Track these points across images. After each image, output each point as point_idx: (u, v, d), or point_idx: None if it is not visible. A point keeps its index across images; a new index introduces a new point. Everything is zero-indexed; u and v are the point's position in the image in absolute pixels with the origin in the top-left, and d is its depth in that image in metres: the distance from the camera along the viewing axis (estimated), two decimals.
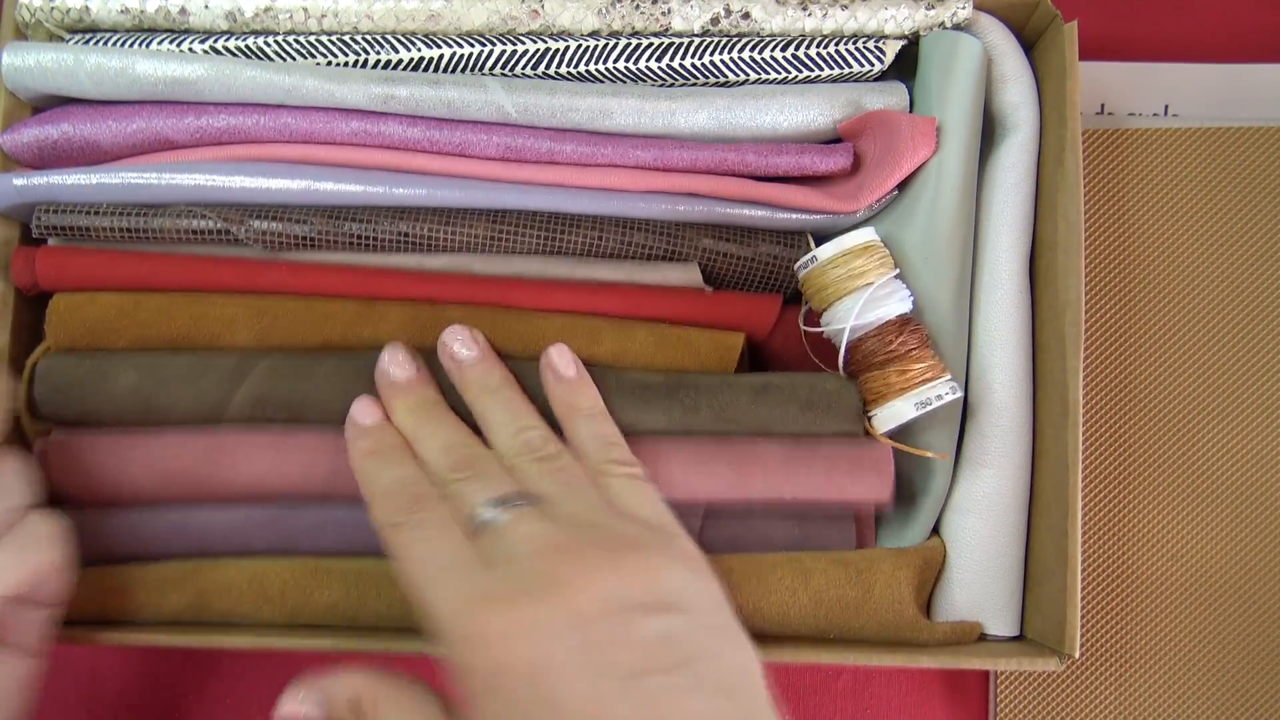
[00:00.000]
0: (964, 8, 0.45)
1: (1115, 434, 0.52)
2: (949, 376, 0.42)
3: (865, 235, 0.43)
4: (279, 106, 0.44)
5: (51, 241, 0.45)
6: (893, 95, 0.45)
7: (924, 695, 0.51)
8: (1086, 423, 0.49)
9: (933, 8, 0.45)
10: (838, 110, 0.44)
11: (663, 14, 0.44)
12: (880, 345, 0.42)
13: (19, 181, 0.43)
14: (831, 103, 0.44)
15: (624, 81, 0.45)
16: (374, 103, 0.43)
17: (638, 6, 0.44)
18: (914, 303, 0.43)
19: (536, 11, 0.44)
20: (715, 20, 0.44)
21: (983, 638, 0.44)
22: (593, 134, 0.44)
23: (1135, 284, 0.53)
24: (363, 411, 0.40)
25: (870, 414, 0.43)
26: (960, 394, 0.42)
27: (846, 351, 0.43)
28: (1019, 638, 0.45)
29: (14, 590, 0.37)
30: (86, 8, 0.44)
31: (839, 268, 0.42)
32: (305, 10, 0.44)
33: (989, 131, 0.46)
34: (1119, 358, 0.52)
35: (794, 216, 0.45)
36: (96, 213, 0.43)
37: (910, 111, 0.45)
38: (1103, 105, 0.54)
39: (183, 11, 0.44)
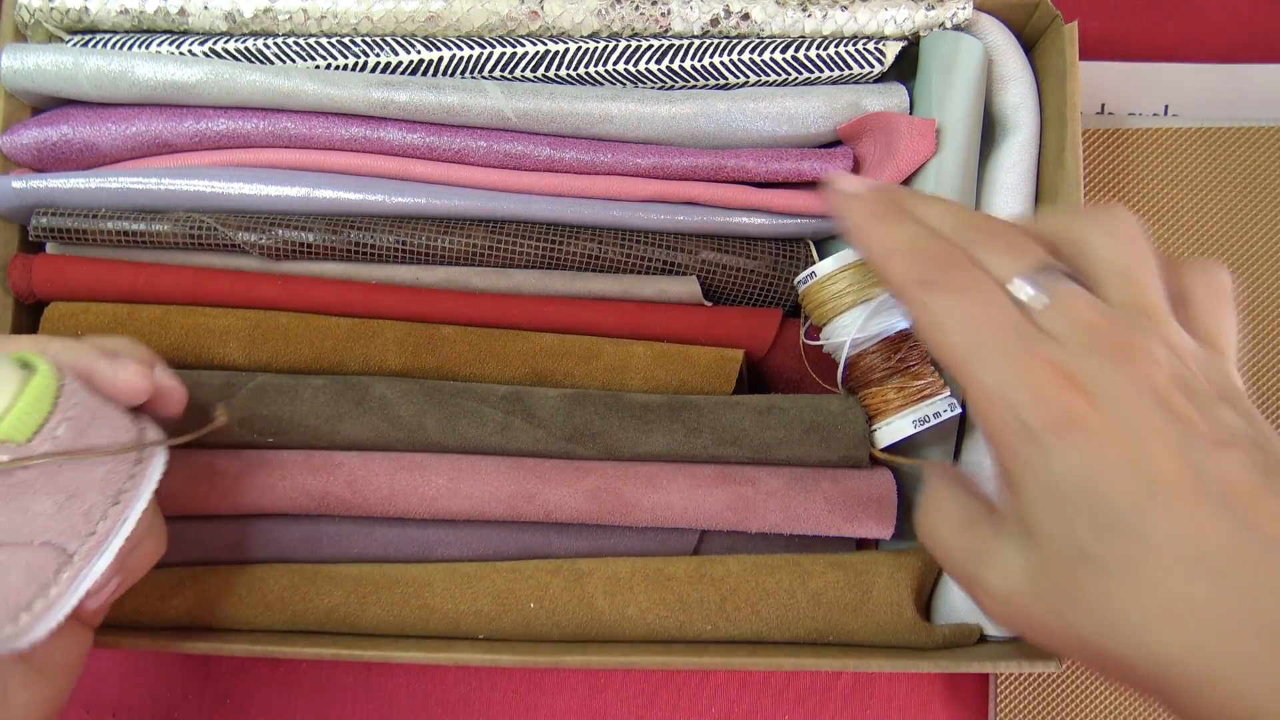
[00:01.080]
0: (964, 8, 0.45)
1: None
2: (948, 393, 0.42)
3: None
4: (278, 111, 0.44)
5: (49, 245, 0.45)
6: (892, 97, 0.45)
7: (924, 696, 0.51)
8: None
9: (933, 8, 0.45)
10: (837, 113, 0.44)
11: (662, 15, 0.44)
12: (880, 361, 0.42)
13: (18, 184, 0.43)
14: (831, 105, 0.44)
15: (624, 83, 0.45)
16: (373, 108, 0.43)
17: (637, 8, 0.44)
18: None
19: (536, 13, 0.44)
20: (715, 21, 0.44)
21: (982, 639, 0.44)
22: (593, 141, 0.44)
23: None
24: (850, 181, 0.35)
25: (869, 430, 0.43)
26: (959, 411, 0.42)
27: (845, 367, 0.43)
28: (1018, 639, 0.45)
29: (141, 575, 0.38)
30: (85, 8, 0.44)
31: (838, 282, 0.42)
32: (305, 11, 0.44)
33: (989, 132, 0.46)
34: None
35: (794, 222, 0.45)
36: (94, 216, 0.43)
37: (910, 113, 0.45)
38: (1103, 105, 0.54)
39: (182, 12, 0.44)
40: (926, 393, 0.42)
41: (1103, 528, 0.28)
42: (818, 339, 0.45)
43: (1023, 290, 0.30)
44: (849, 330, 0.42)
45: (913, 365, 0.42)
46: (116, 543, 0.33)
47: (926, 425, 0.42)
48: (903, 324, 0.42)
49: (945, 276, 0.31)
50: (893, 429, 0.42)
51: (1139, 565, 0.28)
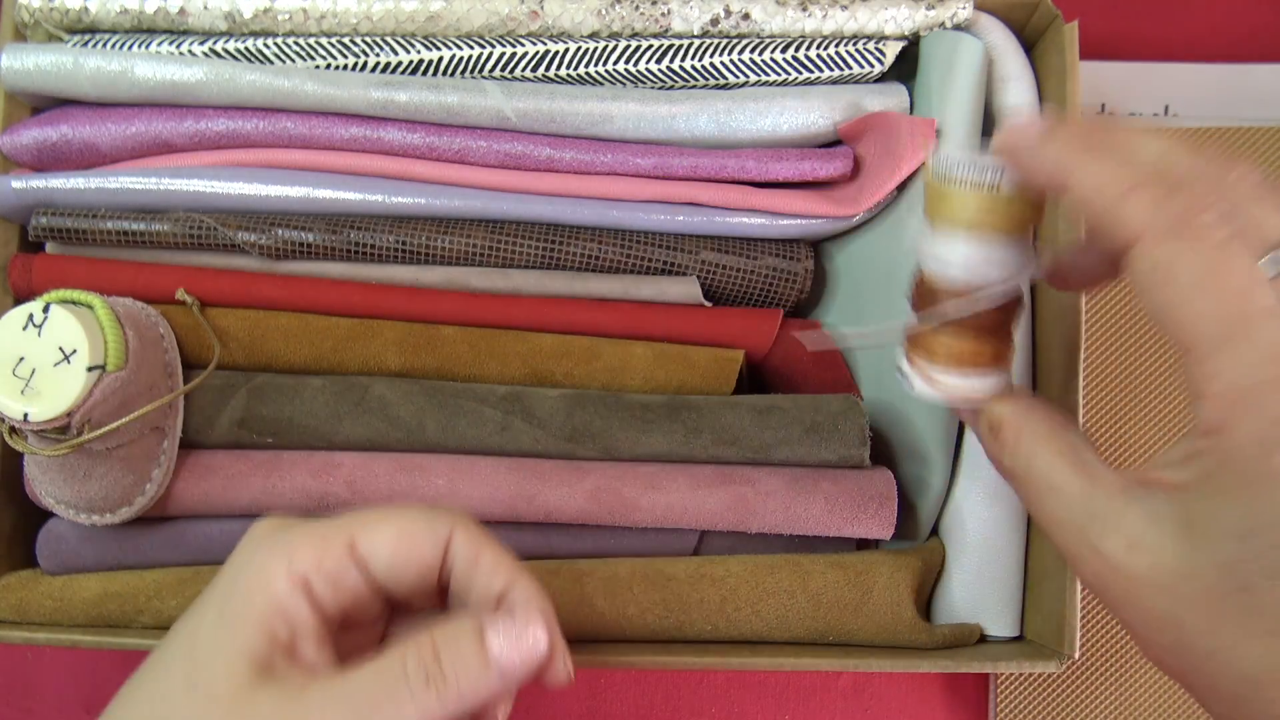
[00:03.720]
0: (964, 8, 0.45)
1: (1115, 434, 0.52)
2: (1005, 369, 0.33)
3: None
4: (278, 111, 0.44)
5: (49, 245, 0.45)
6: (893, 97, 0.45)
7: (924, 696, 0.51)
8: (1086, 423, 0.49)
9: (933, 8, 0.45)
10: (838, 112, 0.44)
11: (662, 15, 0.44)
12: (988, 311, 0.32)
13: (17, 184, 0.43)
14: (831, 105, 0.44)
15: (624, 83, 0.45)
16: (373, 108, 0.43)
17: (637, 8, 0.44)
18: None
19: (536, 13, 0.44)
20: (715, 21, 0.44)
21: (982, 639, 0.44)
22: (593, 140, 0.44)
23: None
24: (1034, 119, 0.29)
25: (917, 365, 0.33)
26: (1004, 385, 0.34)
27: (924, 284, 0.33)
28: (1018, 638, 0.45)
29: None
30: (85, 8, 0.44)
31: (1001, 204, 0.31)
32: (304, 11, 0.44)
33: (989, 132, 0.46)
34: (1119, 358, 0.52)
35: (794, 223, 0.45)
36: (94, 216, 0.43)
37: (911, 113, 0.45)
38: (1103, 105, 0.54)
39: (182, 12, 0.44)
40: (991, 364, 0.33)
41: None
42: (819, 341, 0.42)
43: None
44: (963, 254, 0.31)
45: (1003, 330, 0.33)
46: (180, 404, 0.42)
47: (962, 397, 0.33)
48: (1021, 282, 0.32)
49: (1211, 224, 0.25)
50: (943, 384, 0.33)
51: None
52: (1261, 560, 0.24)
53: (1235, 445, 0.25)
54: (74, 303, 0.39)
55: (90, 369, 0.37)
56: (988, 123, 0.46)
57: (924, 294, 0.33)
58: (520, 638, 0.29)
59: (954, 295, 0.32)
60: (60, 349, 0.37)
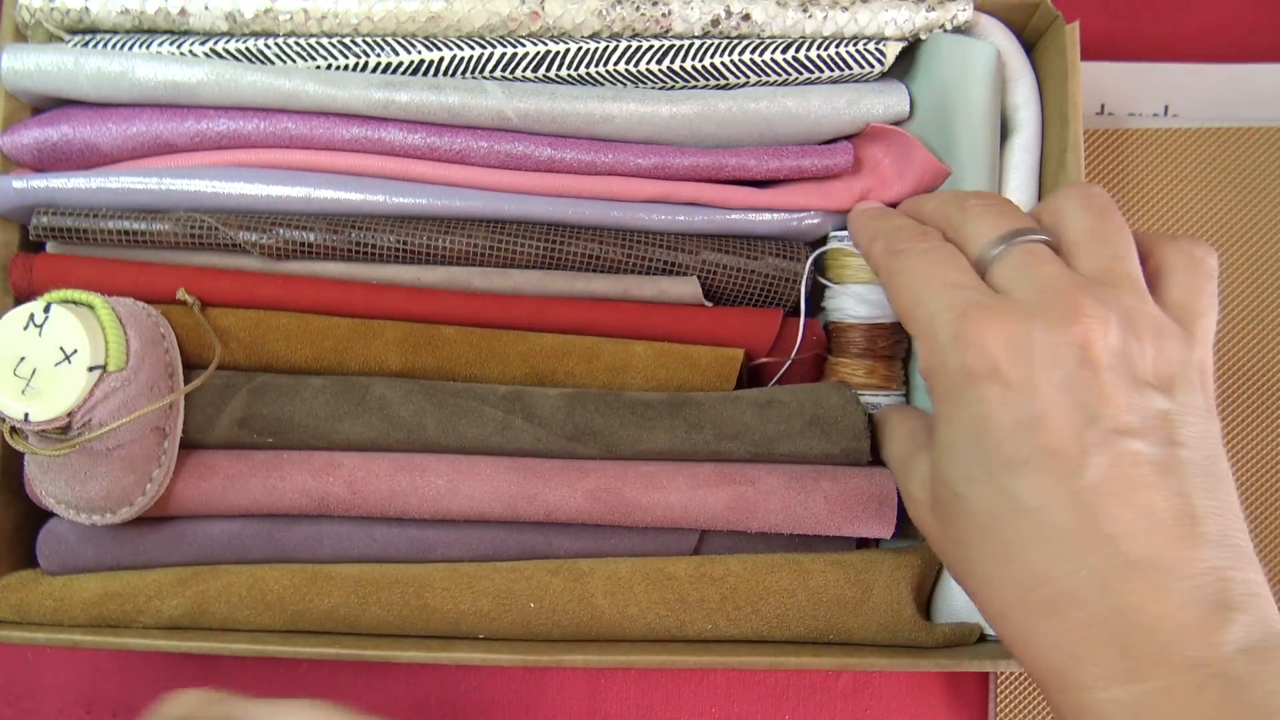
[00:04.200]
0: (965, 9, 0.45)
1: None
2: (899, 391, 0.46)
3: None
4: (279, 111, 0.44)
5: (49, 245, 0.45)
6: (892, 96, 0.45)
7: (924, 696, 0.51)
8: None
9: (933, 10, 0.45)
10: (837, 111, 0.44)
11: (663, 16, 0.44)
12: (862, 339, 0.45)
13: (18, 184, 0.44)
14: (831, 104, 0.44)
15: (624, 84, 0.45)
16: (374, 108, 0.43)
17: (638, 8, 0.44)
18: None
19: (537, 13, 0.44)
20: (715, 22, 0.44)
21: (982, 638, 0.44)
22: (593, 141, 0.44)
23: None
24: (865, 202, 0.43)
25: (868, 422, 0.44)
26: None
27: (830, 328, 0.47)
28: None
29: None
30: (86, 8, 0.44)
31: (860, 263, 0.44)
32: (305, 11, 0.44)
33: (1003, 135, 0.46)
34: None
35: (796, 220, 0.45)
36: (95, 216, 0.43)
37: (913, 112, 0.45)
38: (1103, 105, 0.54)
39: (182, 13, 0.44)
40: (883, 384, 0.45)
41: (978, 477, 0.30)
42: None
43: (994, 250, 0.32)
44: (850, 299, 0.45)
45: (885, 356, 0.45)
46: (181, 404, 0.41)
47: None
48: (893, 318, 0.45)
49: (910, 245, 0.34)
50: None
51: (996, 524, 0.30)
52: (961, 467, 0.31)
53: (937, 377, 0.32)
54: (75, 302, 0.39)
55: (91, 369, 0.37)
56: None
57: (832, 334, 0.46)
58: None
59: (847, 331, 0.45)
60: (61, 349, 0.37)
